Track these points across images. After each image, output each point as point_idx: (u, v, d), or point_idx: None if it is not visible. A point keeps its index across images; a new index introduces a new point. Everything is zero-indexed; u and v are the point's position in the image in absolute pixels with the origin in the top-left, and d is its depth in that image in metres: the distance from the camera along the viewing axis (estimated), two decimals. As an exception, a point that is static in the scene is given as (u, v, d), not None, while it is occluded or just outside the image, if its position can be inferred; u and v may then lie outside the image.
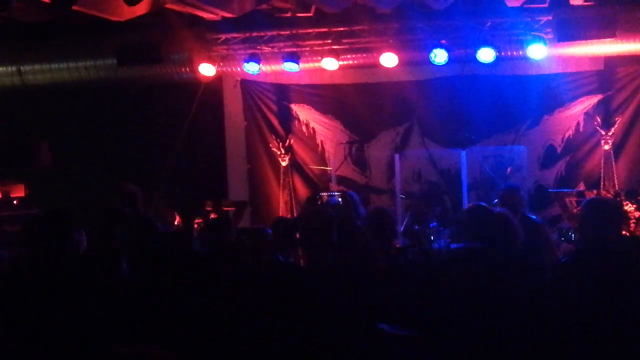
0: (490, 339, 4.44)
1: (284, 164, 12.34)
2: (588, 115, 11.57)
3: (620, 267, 4.58)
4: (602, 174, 11.25)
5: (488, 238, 4.83)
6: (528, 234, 5.24)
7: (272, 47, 11.25)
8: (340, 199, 9.72)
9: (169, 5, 9.59)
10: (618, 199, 9.68)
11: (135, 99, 12.12)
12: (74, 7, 8.49)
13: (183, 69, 11.52)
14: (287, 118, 12.56)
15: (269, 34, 11.14)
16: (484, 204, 5.56)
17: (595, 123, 11.40)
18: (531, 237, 5.55)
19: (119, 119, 12.23)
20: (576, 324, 4.49)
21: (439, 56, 10.62)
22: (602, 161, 11.28)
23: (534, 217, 7.14)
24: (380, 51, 10.88)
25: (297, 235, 5.10)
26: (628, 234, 9.02)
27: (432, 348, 4.53)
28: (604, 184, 11.10)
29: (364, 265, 4.93)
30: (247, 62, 11.20)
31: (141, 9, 9.45)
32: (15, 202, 11.33)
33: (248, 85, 12.49)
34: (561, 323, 4.50)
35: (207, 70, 11.38)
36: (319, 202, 5.73)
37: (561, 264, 5.23)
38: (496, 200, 10.37)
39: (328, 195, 10.70)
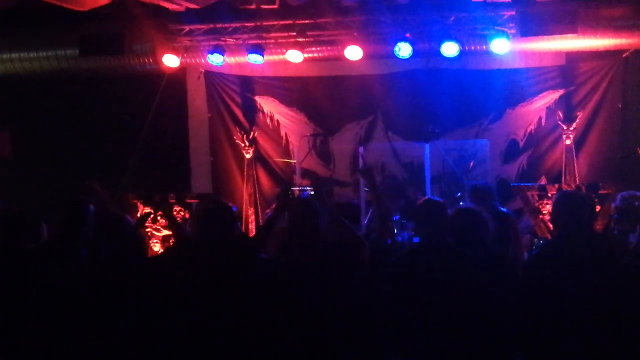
0: (461, 330, 4.49)
1: (247, 156, 12.31)
2: (550, 110, 11.70)
3: (589, 260, 4.64)
4: (563, 168, 11.39)
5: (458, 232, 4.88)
6: (499, 226, 5.30)
7: (237, 39, 11.20)
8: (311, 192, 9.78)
9: (132, -5, 9.51)
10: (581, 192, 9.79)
11: (97, 89, 11.99)
12: (36, -4, 8.38)
13: (146, 60, 11.41)
14: (251, 110, 12.53)
15: (233, 25, 11.08)
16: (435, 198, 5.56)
17: (557, 118, 11.53)
18: (502, 229, 5.61)
19: (81, 110, 12.10)
20: (546, 315, 4.55)
21: (403, 50, 10.64)
22: (564, 155, 11.42)
23: (505, 209, 7.20)
24: (344, 44, 10.88)
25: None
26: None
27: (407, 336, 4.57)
28: (565, 178, 11.23)
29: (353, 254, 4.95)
30: (211, 53, 11.13)
31: (104, -2, 9.37)
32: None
33: (212, 77, 12.43)
34: (530, 315, 4.56)
35: (170, 61, 11.29)
36: (290, 197, 5.68)
37: (532, 256, 5.29)
38: (459, 194, 10.50)
39: (299, 190, 10.72)
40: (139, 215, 10.21)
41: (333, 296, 4.59)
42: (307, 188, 10.71)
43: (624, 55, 11.25)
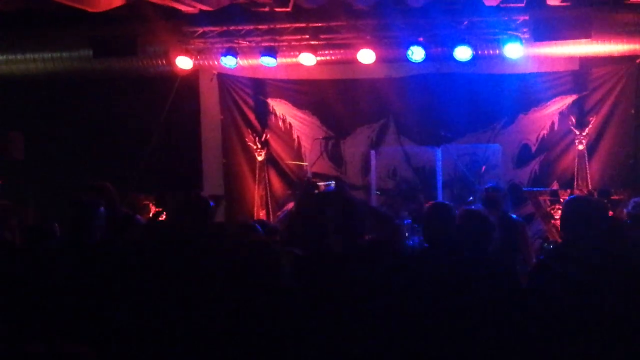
0: (465, 337, 4.47)
1: (259, 158, 12.32)
2: (563, 115, 11.67)
3: (597, 266, 4.61)
4: (575, 174, 11.36)
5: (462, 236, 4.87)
6: (507, 232, 5.27)
7: (250, 42, 11.21)
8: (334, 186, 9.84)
9: (145, -3, 9.54)
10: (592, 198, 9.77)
11: (111, 91, 12.03)
12: (50, -3, 8.42)
13: (159, 62, 11.44)
14: (263, 113, 12.54)
15: (247, 28, 11.10)
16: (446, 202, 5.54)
17: (570, 123, 11.50)
18: (510, 235, 5.58)
19: (94, 111, 12.13)
20: (551, 322, 4.53)
21: (416, 54, 10.64)
22: (576, 161, 11.39)
23: (514, 216, 7.18)
24: (357, 47, 10.88)
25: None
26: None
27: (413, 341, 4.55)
28: (577, 184, 11.20)
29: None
30: (224, 55, 11.16)
31: (118, 0, 9.40)
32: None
33: (225, 79, 12.44)
34: (536, 322, 4.54)
35: (183, 63, 11.31)
36: (316, 191, 5.68)
37: (539, 261, 5.26)
38: (471, 198, 10.49)
39: (325, 185, 10.74)
40: (150, 215, 10.27)
41: (372, 290, 4.54)
42: (332, 183, 10.74)
43: (637, 61, 11.22)
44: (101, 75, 11.62)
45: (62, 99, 12.09)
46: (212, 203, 5.14)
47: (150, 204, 10.85)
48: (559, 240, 9.27)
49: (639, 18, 10.27)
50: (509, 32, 10.52)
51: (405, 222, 9.88)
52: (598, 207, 5.05)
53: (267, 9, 10.81)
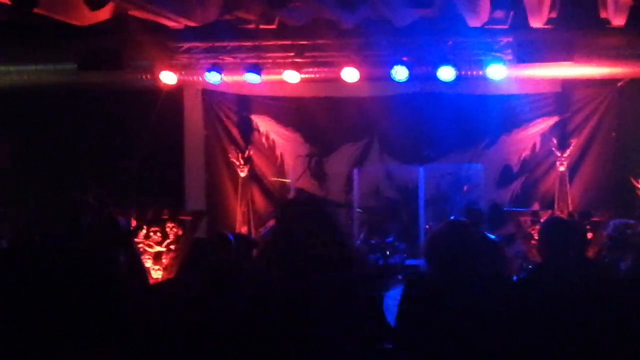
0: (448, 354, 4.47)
1: (242, 175, 12.30)
2: (544, 137, 11.75)
3: (573, 287, 4.63)
4: (556, 195, 11.41)
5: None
6: (486, 252, 5.26)
7: (235, 58, 11.22)
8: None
9: (131, 12, 9.53)
10: (571, 219, 9.83)
11: (95, 104, 11.99)
12: (36, 10, 8.40)
13: (144, 76, 11.42)
14: (247, 129, 12.54)
15: (232, 44, 11.11)
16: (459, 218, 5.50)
17: (551, 144, 11.58)
18: (489, 255, 5.58)
19: (78, 124, 12.10)
20: (529, 341, 4.54)
21: (400, 73, 10.68)
22: (557, 182, 11.45)
23: (492, 236, 7.20)
24: (341, 66, 10.90)
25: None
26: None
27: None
28: (558, 205, 11.26)
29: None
30: (209, 71, 11.15)
31: (104, 14, 9.39)
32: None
33: (209, 95, 12.44)
34: (514, 340, 4.54)
35: (168, 78, 11.29)
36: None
37: (517, 281, 5.27)
38: (453, 218, 10.51)
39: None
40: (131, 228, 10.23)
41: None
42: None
43: (619, 84, 11.31)
44: (86, 88, 11.58)
45: (48, 111, 12.03)
46: (125, 220, 5.17)
47: (132, 218, 10.80)
48: (539, 261, 9.32)
49: (621, 42, 10.36)
50: (493, 53, 10.59)
51: (387, 240, 9.91)
52: (575, 229, 5.08)
53: (252, 26, 10.82)
